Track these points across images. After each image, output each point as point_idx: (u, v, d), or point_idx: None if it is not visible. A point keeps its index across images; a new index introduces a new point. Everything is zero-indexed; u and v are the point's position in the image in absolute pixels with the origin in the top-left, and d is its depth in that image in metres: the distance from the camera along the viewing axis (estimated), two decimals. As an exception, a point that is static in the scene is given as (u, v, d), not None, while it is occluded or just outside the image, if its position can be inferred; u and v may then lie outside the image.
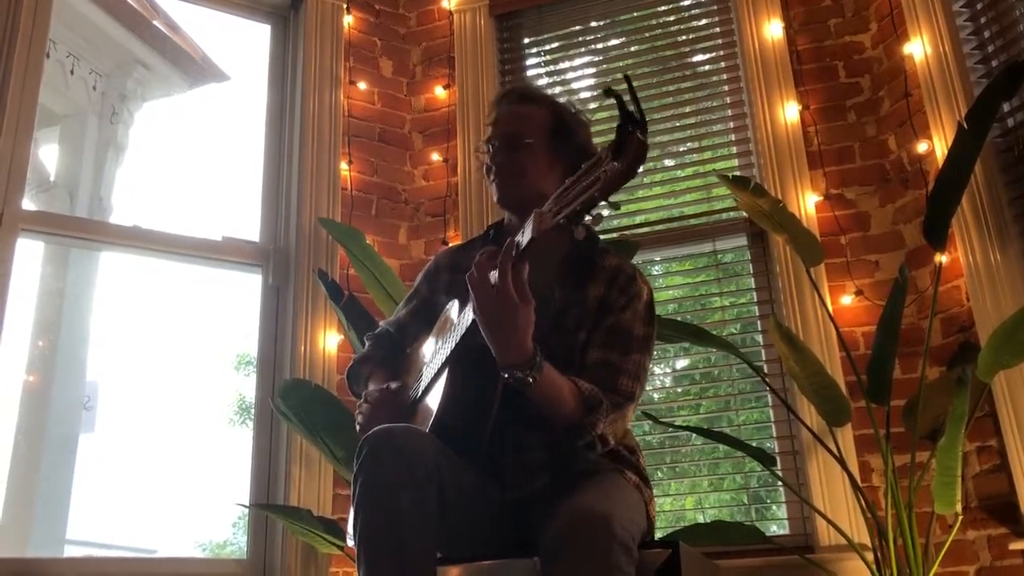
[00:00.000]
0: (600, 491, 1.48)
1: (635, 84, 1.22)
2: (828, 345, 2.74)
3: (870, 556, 2.37)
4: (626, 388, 1.59)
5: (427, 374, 1.68)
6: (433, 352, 1.69)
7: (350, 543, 1.74)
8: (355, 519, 1.41)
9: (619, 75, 3.37)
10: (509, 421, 1.58)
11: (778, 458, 2.76)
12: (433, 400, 1.59)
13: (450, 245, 3.06)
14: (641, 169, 1.22)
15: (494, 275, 1.38)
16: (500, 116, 1.80)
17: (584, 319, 1.65)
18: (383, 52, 3.53)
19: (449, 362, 1.58)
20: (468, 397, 1.56)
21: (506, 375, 1.43)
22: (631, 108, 1.18)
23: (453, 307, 1.70)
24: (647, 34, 3.41)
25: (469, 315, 1.48)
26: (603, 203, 1.22)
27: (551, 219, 1.29)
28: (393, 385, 1.72)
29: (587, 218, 1.26)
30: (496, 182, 1.74)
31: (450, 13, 3.52)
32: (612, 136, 1.20)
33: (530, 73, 3.51)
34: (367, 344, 1.96)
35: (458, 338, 1.54)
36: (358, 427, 1.71)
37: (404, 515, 1.38)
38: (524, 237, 1.36)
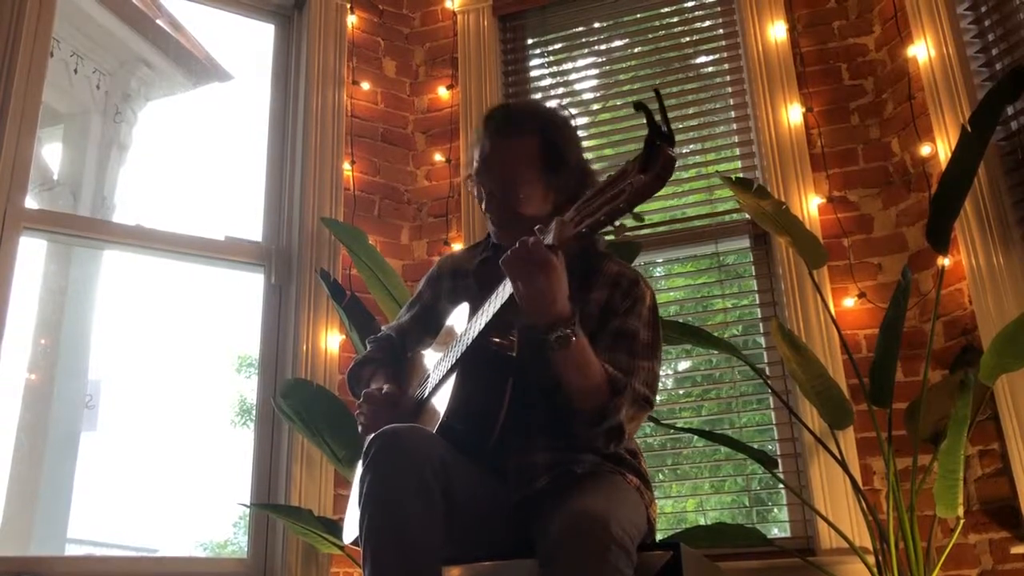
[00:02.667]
0: (599, 492, 1.48)
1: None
2: (830, 347, 2.74)
3: (871, 559, 2.37)
4: (640, 391, 1.58)
5: (435, 376, 1.68)
6: (442, 356, 1.69)
7: (346, 541, 1.74)
8: (361, 517, 1.41)
9: (623, 76, 3.37)
10: (516, 424, 1.58)
11: (779, 460, 2.75)
12: (441, 401, 1.59)
13: (453, 249, 3.07)
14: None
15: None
16: (487, 151, 1.70)
17: (586, 323, 1.64)
18: (386, 52, 3.53)
19: (459, 364, 1.58)
20: (477, 399, 1.56)
21: (549, 335, 1.42)
22: (659, 121, 1.18)
23: (458, 314, 1.70)
24: (651, 35, 3.40)
25: (482, 318, 1.48)
26: (627, 214, 1.22)
27: (572, 228, 1.29)
28: (385, 387, 1.72)
29: (609, 228, 1.26)
30: (493, 220, 1.72)
31: (454, 14, 3.52)
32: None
33: (533, 74, 3.51)
34: (369, 346, 1.96)
35: (469, 340, 1.54)
36: (360, 428, 1.71)
37: (410, 515, 1.38)
38: (547, 240, 1.35)
